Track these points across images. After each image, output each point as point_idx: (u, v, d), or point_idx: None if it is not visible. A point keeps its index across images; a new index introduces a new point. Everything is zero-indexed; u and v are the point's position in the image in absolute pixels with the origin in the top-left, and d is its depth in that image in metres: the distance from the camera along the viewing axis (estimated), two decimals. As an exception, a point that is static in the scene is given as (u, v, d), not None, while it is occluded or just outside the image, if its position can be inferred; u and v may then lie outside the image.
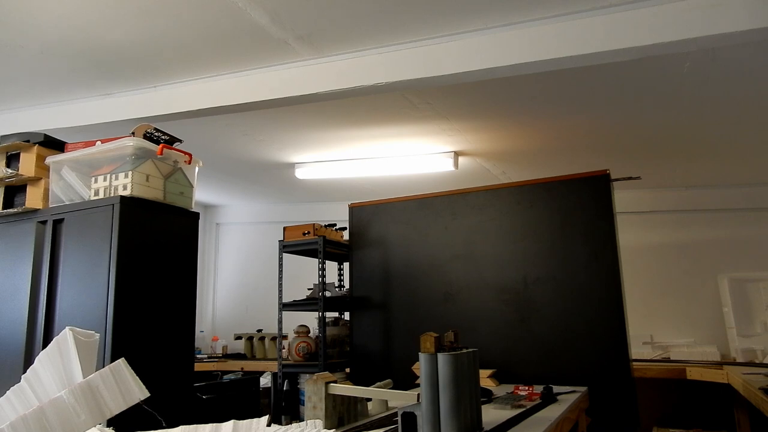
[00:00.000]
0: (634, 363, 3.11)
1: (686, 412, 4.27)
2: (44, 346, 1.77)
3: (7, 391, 1.15)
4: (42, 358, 1.16)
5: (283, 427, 1.20)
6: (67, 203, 2.49)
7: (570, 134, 3.74)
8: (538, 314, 3.05)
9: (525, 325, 3.07)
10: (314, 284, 3.70)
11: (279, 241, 3.69)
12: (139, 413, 1.28)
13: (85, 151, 2.49)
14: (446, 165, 4.09)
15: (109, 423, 1.36)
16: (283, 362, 3.60)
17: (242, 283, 5.99)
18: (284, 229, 3.72)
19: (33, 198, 2.58)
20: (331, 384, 1.72)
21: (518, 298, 3.11)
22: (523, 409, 2.03)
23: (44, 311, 2.37)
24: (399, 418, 1.57)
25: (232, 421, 1.19)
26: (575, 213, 3.05)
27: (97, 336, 1.25)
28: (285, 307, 3.62)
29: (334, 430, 1.66)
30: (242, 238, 6.13)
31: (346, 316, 3.91)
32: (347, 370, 3.63)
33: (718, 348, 4.21)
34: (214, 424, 1.19)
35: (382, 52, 2.63)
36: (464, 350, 1.63)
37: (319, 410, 1.70)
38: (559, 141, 3.87)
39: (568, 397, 2.39)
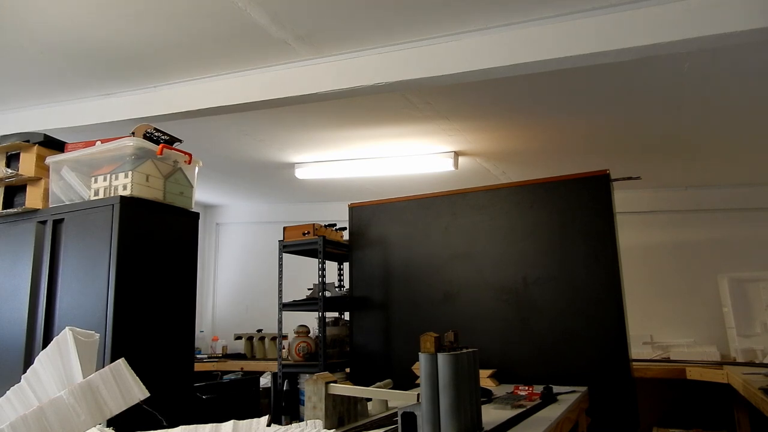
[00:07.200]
0: (634, 363, 3.11)
1: (686, 412, 4.27)
2: (44, 346, 1.77)
3: (7, 391, 1.15)
4: (42, 358, 1.16)
5: (283, 427, 1.20)
6: (67, 203, 2.49)
7: (570, 134, 3.73)
8: (538, 314, 3.05)
9: (525, 325, 3.07)
10: (314, 284, 3.70)
11: (279, 241, 3.69)
12: (139, 413, 1.28)
13: (85, 151, 2.49)
14: (446, 165, 4.09)
15: (109, 423, 1.36)
16: (283, 362, 3.60)
17: (242, 283, 5.99)
18: (284, 229, 3.72)
19: (33, 198, 2.58)
20: (331, 384, 1.72)
21: (518, 298, 3.11)
22: (523, 409, 2.03)
23: (44, 311, 2.37)
24: (399, 418, 1.57)
25: (232, 421, 1.19)
26: (575, 213, 3.05)
27: (97, 336, 1.25)
28: (285, 307, 3.63)
29: (334, 430, 1.66)
30: (242, 238, 6.12)
31: (346, 316, 3.91)
32: (347, 370, 3.63)
33: (718, 348, 4.21)
34: (214, 424, 1.19)
35: (382, 52, 2.63)
36: (464, 350, 1.63)
37: (319, 410, 1.70)
38: (559, 141, 3.87)
39: (568, 397, 2.39)
